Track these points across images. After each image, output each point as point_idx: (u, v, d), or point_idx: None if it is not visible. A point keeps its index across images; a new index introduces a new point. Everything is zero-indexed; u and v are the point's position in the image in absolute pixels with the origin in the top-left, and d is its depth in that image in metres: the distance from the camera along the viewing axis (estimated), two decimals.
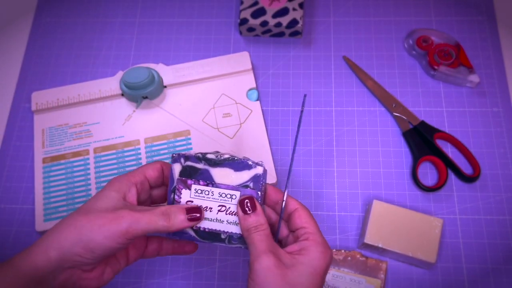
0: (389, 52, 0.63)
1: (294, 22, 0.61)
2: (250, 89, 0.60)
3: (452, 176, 0.56)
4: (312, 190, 0.56)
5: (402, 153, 0.57)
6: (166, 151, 0.57)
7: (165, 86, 0.60)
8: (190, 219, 0.38)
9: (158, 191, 0.43)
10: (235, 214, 0.39)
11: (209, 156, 0.40)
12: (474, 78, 0.58)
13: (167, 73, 0.60)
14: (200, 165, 0.39)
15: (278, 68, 0.63)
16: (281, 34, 0.64)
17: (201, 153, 0.40)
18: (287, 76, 0.62)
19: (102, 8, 0.69)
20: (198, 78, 0.60)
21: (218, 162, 0.39)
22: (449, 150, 0.57)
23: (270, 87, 0.62)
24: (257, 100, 0.60)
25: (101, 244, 0.36)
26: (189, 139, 0.58)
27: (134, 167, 0.56)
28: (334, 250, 0.51)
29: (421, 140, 0.57)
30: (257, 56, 0.64)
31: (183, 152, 0.41)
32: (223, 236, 0.39)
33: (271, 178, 0.55)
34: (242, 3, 0.63)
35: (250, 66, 0.61)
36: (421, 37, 0.61)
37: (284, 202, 0.40)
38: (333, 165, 0.57)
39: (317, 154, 0.58)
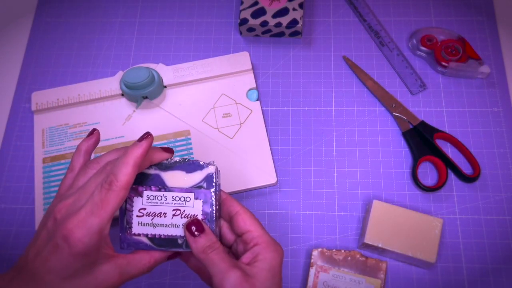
0: None
1: (294, 22, 0.61)
2: (250, 89, 0.60)
3: (452, 176, 0.56)
4: (312, 190, 0.56)
5: (402, 153, 0.57)
6: None
7: (165, 86, 0.60)
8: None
9: None
10: (190, 217, 0.38)
11: None
12: (485, 69, 0.59)
13: (167, 73, 0.61)
14: (150, 171, 0.38)
15: (278, 68, 0.63)
16: (281, 34, 0.64)
17: None
18: (287, 76, 0.62)
19: (102, 8, 0.69)
20: (198, 78, 0.60)
21: (169, 166, 0.38)
22: (449, 150, 0.57)
23: (270, 87, 0.62)
24: (257, 100, 0.60)
25: None
26: (189, 139, 0.58)
27: None
28: (334, 250, 0.51)
29: (421, 140, 0.57)
30: (257, 56, 0.64)
31: None
32: (180, 241, 0.38)
33: (271, 178, 0.55)
34: (242, 3, 0.63)
35: (250, 66, 0.61)
36: (425, 36, 0.61)
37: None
38: (333, 165, 0.57)
39: (317, 154, 0.58)
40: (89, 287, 0.34)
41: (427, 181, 0.56)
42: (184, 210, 0.38)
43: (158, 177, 0.38)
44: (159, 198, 0.37)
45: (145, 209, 0.37)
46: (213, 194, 0.38)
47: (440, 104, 0.59)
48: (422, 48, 0.61)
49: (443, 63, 0.60)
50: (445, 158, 0.55)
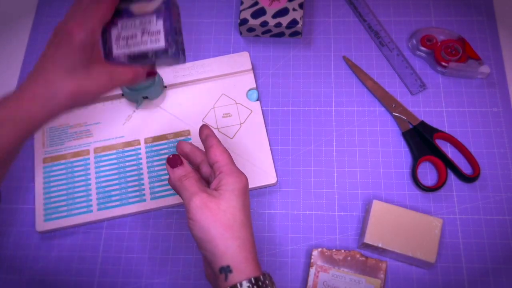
0: None
1: (294, 22, 0.61)
2: (250, 89, 0.60)
3: (451, 176, 0.56)
4: (312, 190, 0.56)
5: (402, 153, 0.57)
6: (166, 151, 0.57)
7: (165, 86, 0.60)
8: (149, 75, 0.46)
9: None
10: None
11: None
12: (485, 69, 0.59)
13: (167, 73, 0.61)
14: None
15: (278, 68, 0.63)
16: (281, 34, 0.64)
17: None
18: (287, 76, 0.62)
19: None
20: (198, 78, 0.60)
21: None
22: (449, 150, 0.57)
23: (270, 87, 0.62)
24: (257, 100, 0.60)
25: (96, 93, 0.42)
26: (189, 139, 0.58)
27: (135, 167, 0.57)
28: (334, 250, 0.51)
29: (421, 140, 0.57)
30: (257, 56, 0.64)
31: None
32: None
33: (271, 178, 0.55)
34: (242, 3, 0.63)
35: (250, 66, 0.61)
36: (425, 36, 0.61)
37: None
38: (333, 165, 0.57)
39: (317, 154, 0.58)
40: (86, 82, 0.41)
41: (427, 181, 0.56)
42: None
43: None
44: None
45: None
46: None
47: (440, 104, 0.60)
48: (422, 48, 0.61)
49: (443, 63, 0.60)
50: (445, 158, 0.55)
